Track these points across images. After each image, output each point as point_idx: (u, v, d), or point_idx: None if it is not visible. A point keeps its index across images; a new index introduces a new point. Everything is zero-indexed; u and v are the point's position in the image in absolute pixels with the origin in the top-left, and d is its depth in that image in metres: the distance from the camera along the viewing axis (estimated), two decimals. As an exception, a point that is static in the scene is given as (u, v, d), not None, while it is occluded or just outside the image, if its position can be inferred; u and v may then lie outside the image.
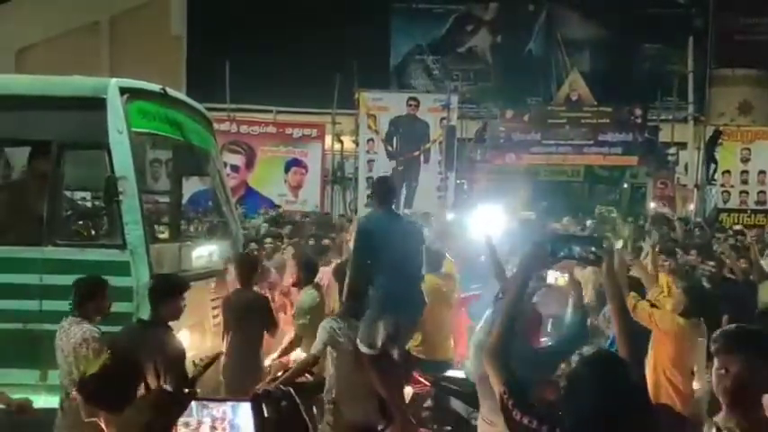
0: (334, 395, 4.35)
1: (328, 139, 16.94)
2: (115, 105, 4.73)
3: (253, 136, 16.25)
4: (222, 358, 4.87)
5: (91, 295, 4.03)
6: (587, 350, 3.08)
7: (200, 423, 1.10)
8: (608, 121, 16.71)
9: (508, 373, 2.27)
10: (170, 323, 4.03)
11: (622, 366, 2.07)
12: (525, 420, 2.12)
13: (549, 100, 18.65)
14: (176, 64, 19.55)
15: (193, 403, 1.23)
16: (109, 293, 4.11)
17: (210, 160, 6.34)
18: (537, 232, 9.80)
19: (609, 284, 2.42)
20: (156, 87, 5.34)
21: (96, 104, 4.73)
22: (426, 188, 16.46)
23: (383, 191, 4.76)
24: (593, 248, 2.41)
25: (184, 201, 7.90)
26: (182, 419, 1.15)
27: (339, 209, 16.86)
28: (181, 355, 3.85)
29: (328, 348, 4.42)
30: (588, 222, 11.93)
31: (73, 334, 3.91)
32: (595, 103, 16.96)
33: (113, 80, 4.95)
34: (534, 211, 14.90)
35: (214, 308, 5.42)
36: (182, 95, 6.17)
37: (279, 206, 11.49)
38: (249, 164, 16.12)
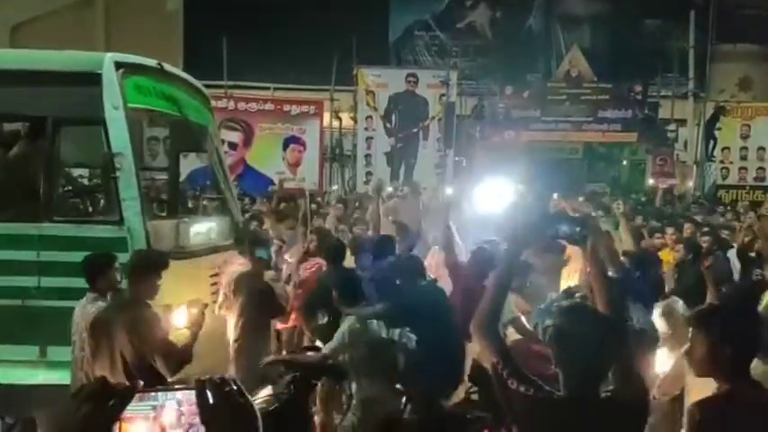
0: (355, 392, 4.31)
1: (326, 117, 16.86)
2: (111, 80, 4.68)
3: (250, 113, 16.16)
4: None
5: (99, 271, 4.04)
6: (563, 304, 3.17)
7: (162, 407, 1.10)
8: (607, 97, 16.63)
9: (500, 344, 2.34)
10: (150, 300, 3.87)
11: (598, 315, 2.31)
12: (522, 389, 2.18)
13: (548, 76, 18.54)
14: (173, 40, 19.34)
15: (137, 393, 1.23)
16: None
17: (208, 137, 6.30)
18: (530, 209, 9.82)
19: (593, 262, 2.53)
20: (152, 62, 5.28)
21: (92, 79, 4.68)
22: (425, 165, 16.45)
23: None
24: (578, 228, 2.45)
25: (182, 178, 7.90)
26: (145, 405, 1.14)
27: (338, 186, 16.85)
28: (157, 334, 3.73)
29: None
30: (580, 199, 11.90)
31: (87, 312, 3.94)
32: (595, 79, 16.85)
33: (109, 55, 4.90)
34: (532, 187, 14.89)
35: (213, 284, 5.43)
36: (179, 71, 6.11)
37: (274, 184, 11.48)
38: (247, 141, 16.05)
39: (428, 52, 20.95)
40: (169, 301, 4.22)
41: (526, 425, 2.25)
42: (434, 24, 21.14)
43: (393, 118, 16.67)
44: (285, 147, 16.24)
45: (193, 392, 1.23)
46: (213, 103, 7.11)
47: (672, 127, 17.06)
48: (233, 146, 15.77)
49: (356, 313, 4.29)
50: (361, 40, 16.84)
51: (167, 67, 5.45)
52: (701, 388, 2.71)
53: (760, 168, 15.54)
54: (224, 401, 1.21)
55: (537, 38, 20.87)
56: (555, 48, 20.27)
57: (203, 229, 5.76)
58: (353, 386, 4.21)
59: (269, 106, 16.42)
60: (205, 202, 6.98)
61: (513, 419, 2.29)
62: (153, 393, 1.27)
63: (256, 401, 3.79)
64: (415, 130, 16.70)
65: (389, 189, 13.89)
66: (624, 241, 5.52)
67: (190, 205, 7.46)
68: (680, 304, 4.51)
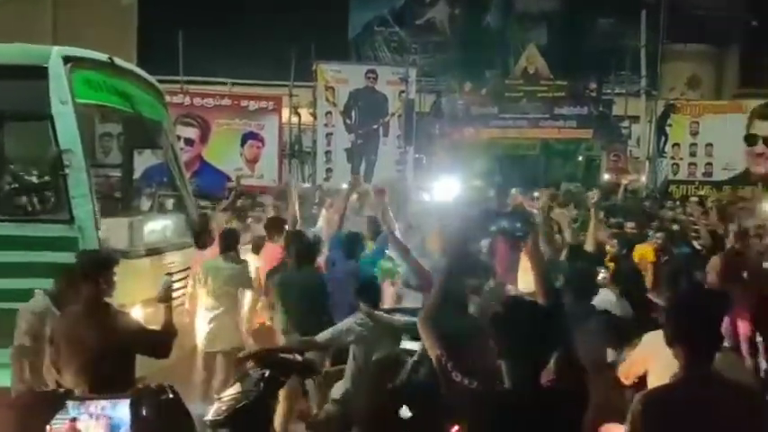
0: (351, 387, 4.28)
1: (285, 112, 16.71)
2: (58, 74, 4.56)
3: (207, 109, 15.90)
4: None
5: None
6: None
7: (74, 420, 1.07)
8: (564, 94, 16.91)
9: (444, 337, 2.39)
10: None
11: (535, 305, 2.38)
12: (465, 381, 2.22)
13: (506, 74, 18.73)
14: (126, 33, 18.90)
15: (69, 402, 1.19)
16: (56, 271, 3.99)
17: (163, 133, 6.20)
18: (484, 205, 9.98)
19: (533, 257, 2.61)
20: (102, 57, 5.17)
21: (38, 73, 4.56)
22: (385, 162, 16.46)
23: None
24: (519, 224, 2.50)
25: (137, 175, 7.74)
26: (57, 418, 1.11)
27: (297, 183, 16.73)
28: (133, 327, 3.69)
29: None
30: (536, 194, 12.10)
31: (42, 314, 3.88)
32: (551, 77, 17.10)
33: (56, 48, 4.78)
34: (489, 184, 15.08)
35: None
36: (130, 66, 5.99)
37: (231, 180, 11.33)
38: (203, 137, 15.80)
39: (387, 48, 20.96)
40: (123, 301, 4.15)
41: (471, 416, 2.29)
42: (394, 20, 21.14)
43: (353, 114, 16.62)
44: (243, 143, 16.05)
45: (110, 405, 1.21)
46: (168, 98, 6.99)
47: (625, 124, 17.46)
48: (189, 142, 15.52)
49: (386, 320, 4.26)
50: (320, 36, 16.73)
51: (118, 61, 5.33)
52: (661, 374, 2.79)
53: (708, 164, 16.02)
54: (158, 411, 1.19)
55: (495, 35, 21.05)
56: (512, 45, 20.48)
57: (158, 226, 5.67)
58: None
59: (226, 102, 16.20)
60: (160, 200, 6.86)
61: (459, 411, 2.33)
62: (68, 405, 1.25)
63: (224, 399, 3.76)
64: (376, 126, 16.68)
65: (345, 185, 13.88)
66: (590, 233, 5.66)
67: (144, 203, 7.31)
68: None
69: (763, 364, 6.15)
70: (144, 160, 9.02)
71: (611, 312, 4.30)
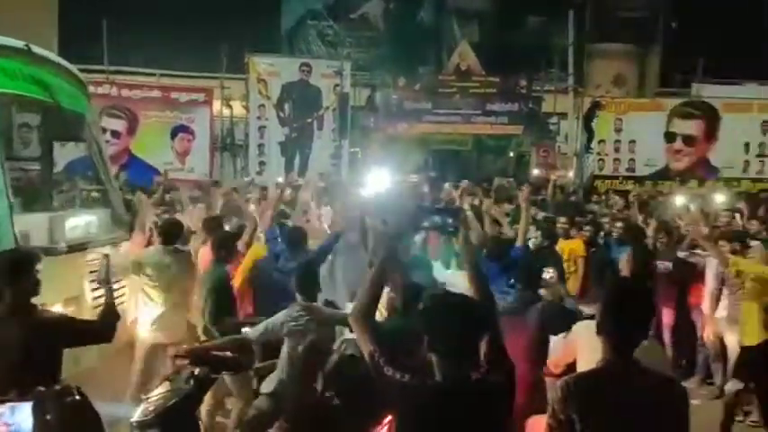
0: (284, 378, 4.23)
1: (217, 105, 16.36)
2: (-30, 62, 4.31)
3: (135, 100, 15.39)
4: None
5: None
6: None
7: None
8: (495, 91, 17.22)
9: (376, 333, 2.41)
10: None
11: (465, 300, 2.42)
12: (398, 375, 2.24)
13: (439, 69, 18.94)
14: (47, 20, 17.99)
15: None
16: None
17: (86, 125, 5.97)
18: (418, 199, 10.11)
19: (464, 251, 2.66)
20: (19, 44, 4.92)
21: (-52, 61, 4.29)
22: (320, 155, 16.39)
23: None
24: (451, 219, 2.55)
25: (59, 168, 7.43)
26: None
27: (229, 177, 16.43)
28: (67, 321, 3.60)
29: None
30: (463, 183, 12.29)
31: None
32: (483, 73, 17.40)
33: (-33, 34, 4.50)
34: (424, 178, 15.23)
35: (92, 281, 5.15)
36: (50, 54, 5.71)
37: (161, 174, 10.98)
38: (131, 130, 15.29)
39: (321, 42, 20.83)
40: (44, 300, 3.96)
41: (403, 410, 2.32)
42: (327, 14, 21.03)
43: (286, 107, 16.45)
44: (173, 136, 15.63)
45: (8, 409, 1.16)
46: (93, 89, 6.75)
47: (554, 120, 17.95)
48: (116, 134, 15.01)
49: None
50: (252, 28, 16.49)
51: (36, 49, 5.09)
52: (588, 362, 2.89)
53: (631, 160, 16.65)
54: (63, 415, 1.15)
55: (428, 31, 21.28)
56: (445, 41, 20.75)
57: (81, 222, 5.45)
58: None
59: (155, 93, 15.71)
60: (84, 195, 6.60)
61: (391, 405, 2.35)
62: None
63: (152, 398, 3.66)
64: (310, 120, 16.57)
65: (279, 180, 13.75)
66: (522, 229, 5.81)
67: (67, 197, 7.02)
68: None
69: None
70: (67, 153, 8.68)
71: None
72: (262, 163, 16.28)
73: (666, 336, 6.77)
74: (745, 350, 5.53)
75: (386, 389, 2.31)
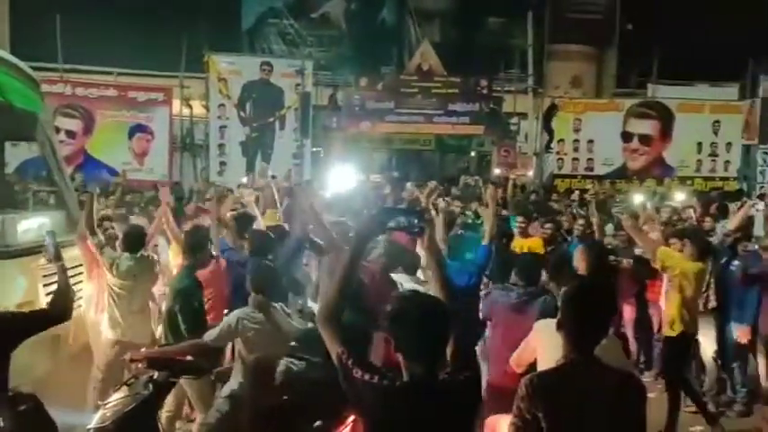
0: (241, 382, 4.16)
1: (176, 104, 16.11)
2: None
3: (91, 99, 15.05)
4: None
5: None
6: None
7: None
8: (457, 91, 17.34)
9: (344, 335, 2.38)
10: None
11: (435, 300, 2.41)
12: (366, 377, 2.24)
13: (401, 69, 18.99)
14: (-2, 16, 17.47)
15: None
16: None
17: (38, 125, 5.79)
18: (381, 199, 10.14)
19: (429, 251, 2.65)
20: (-34, 41, 4.74)
21: None
22: (282, 155, 16.28)
23: None
24: (416, 220, 2.56)
25: (10, 169, 7.23)
26: None
27: (190, 177, 16.19)
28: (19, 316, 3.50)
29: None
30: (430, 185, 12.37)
31: None
32: (445, 73, 17.51)
33: None
34: (387, 178, 15.28)
35: (46, 285, 5.01)
36: (1, 51, 5.53)
37: (118, 174, 10.77)
38: (87, 129, 14.95)
39: (282, 41, 20.67)
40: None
41: (372, 412, 2.31)
42: (288, 13, 20.87)
43: (247, 107, 16.30)
44: (131, 135, 15.34)
45: None
46: (46, 87, 6.56)
47: (514, 120, 18.17)
48: (71, 134, 14.68)
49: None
50: (212, 26, 16.25)
51: (-15, 46, 4.91)
52: (549, 360, 2.93)
53: (589, 159, 16.99)
54: (16, 423, 1.12)
55: (390, 30, 21.32)
56: (407, 41, 20.81)
57: (34, 225, 5.29)
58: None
59: (111, 92, 15.39)
60: (37, 196, 6.41)
61: (360, 407, 2.34)
62: None
63: (109, 404, 3.58)
64: (271, 119, 16.45)
65: (244, 180, 13.61)
66: (488, 230, 5.84)
67: (18, 199, 6.81)
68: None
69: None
70: (19, 153, 8.43)
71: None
72: (222, 163, 16.09)
73: (629, 331, 6.91)
74: (666, 341, 5.74)
75: (354, 390, 2.29)
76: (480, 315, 4.84)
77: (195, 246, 5.09)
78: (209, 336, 4.17)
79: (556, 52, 20.23)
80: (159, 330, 5.71)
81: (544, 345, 3.38)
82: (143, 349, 4.14)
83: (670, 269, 5.64)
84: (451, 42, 20.33)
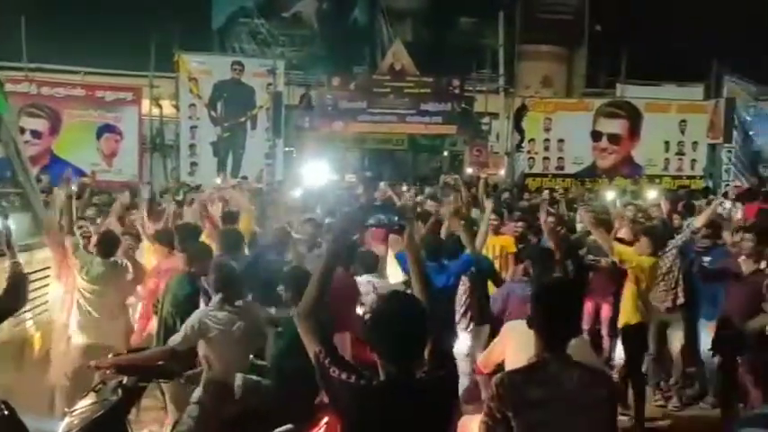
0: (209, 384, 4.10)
1: (146, 104, 15.88)
2: None
3: (57, 99, 14.76)
4: None
5: None
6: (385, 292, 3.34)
7: None
8: (429, 91, 17.41)
9: (322, 333, 2.37)
10: None
11: (415, 301, 2.41)
12: (343, 376, 2.23)
13: (373, 69, 19.00)
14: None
15: None
16: None
17: (2, 125, 5.64)
18: (354, 199, 10.15)
19: (409, 249, 2.64)
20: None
21: None
22: (254, 156, 16.16)
23: None
24: (396, 217, 2.54)
25: (-28, 171, 7.02)
26: None
27: (160, 178, 15.98)
28: None
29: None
30: (404, 188, 12.44)
31: None
32: (417, 73, 17.56)
33: None
34: (360, 177, 15.26)
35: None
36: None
37: (86, 175, 10.56)
38: (53, 129, 14.66)
39: (253, 40, 20.51)
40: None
41: (348, 412, 2.30)
42: (259, 12, 20.73)
43: (218, 106, 16.16)
44: (99, 136, 15.08)
45: None
46: (11, 87, 6.42)
47: (486, 120, 18.30)
48: (37, 134, 14.39)
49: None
50: (182, 25, 16.04)
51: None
52: (516, 360, 2.95)
53: (560, 158, 17.18)
54: None
55: (362, 30, 21.30)
56: (379, 41, 20.82)
57: (-1, 227, 5.16)
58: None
59: (78, 92, 15.11)
60: (1, 198, 6.26)
61: (337, 407, 2.33)
62: None
63: (77, 412, 3.50)
64: (243, 119, 16.32)
65: (218, 180, 13.47)
66: (483, 224, 5.92)
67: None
68: None
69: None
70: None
71: None
72: (193, 164, 15.92)
73: (605, 329, 6.95)
74: (626, 331, 5.93)
75: (331, 389, 2.28)
76: (494, 309, 5.02)
77: (200, 253, 5.03)
78: (174, 340, 4.09)
79: (526, 52, 20.43)
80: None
81: (513, 346, 3.40)
82: (110, 355, 4.04)
83: (627, 263, 5.84)
84: (423, 42, 20.41)
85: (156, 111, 16.29)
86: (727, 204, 10.05)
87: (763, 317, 5.12)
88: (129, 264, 5.48)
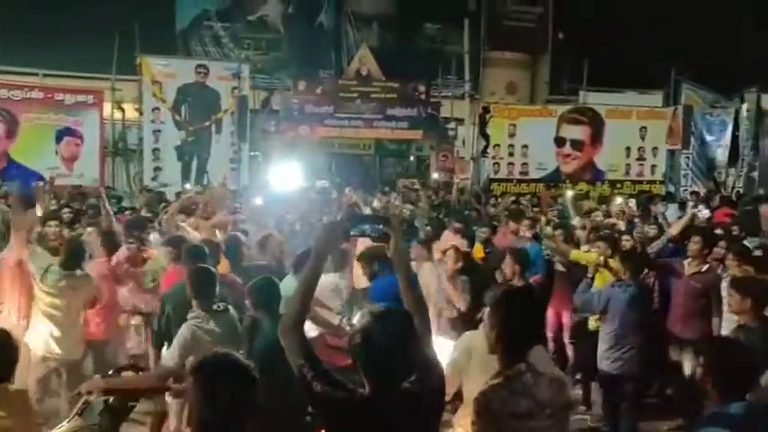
0: None
1: (107, 107, 15.57)
2: None
3: (14, 101, 14.34)
4: None
5: None
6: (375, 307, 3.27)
7: None
8: (395, 96, 17.47)
9: (305, 346, 2.32)
10: None
11: (406, 316, 2.33)
12: (327, 390, 2.20)
13: (340, 73, 18.98)
14: None
15: None
16: None
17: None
18: (330, 203, 10.12)
19: (396, 257, 2.57)
20: None
21: None
22: (219, 160, 15.96)
23: None
24: (380, 226, 2.53)
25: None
26: None
27: (122, 183, 15.69)
28: None
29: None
30: (377, 198, 12.44)
31: None
32: (384, 78, 17.60)
33: None
34: (333, 183, 15.22)
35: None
36: None
37: (44, 180, 10.28)
38: (10, 133, 14.22)
39: (218, 44, 20.31)
40: None
41: (333, 425, 2.27)
42: (224, 16, 20.54)
43: (183, 110, 15.92)
44: (59, 139, 14.69)
45: None
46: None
47: (452, 125, 18.44)
48: (-8, 138, 13.97)
49: None
50: (145, 27, 15.79)
51: None
52: (476, 381, 2.94)
53: (524, 164, 17.35)
54: None
55: (328, 34, 21.28)
56: (346, 45, 20.84)
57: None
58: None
59: (36, 94, 14.68)
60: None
61: (322, 420, 2.29)
62: None
63: None
64: (207, 123, 16.12)
65: (187, 186, 13.30)
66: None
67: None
68: None
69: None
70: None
71: None
72: (157, 168, 15.65)
73: (565, 336, 7.01)
74: (591, 335, 6.04)
75: (315, 403, 2.24)
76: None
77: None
78: (170, 359, 3.96)
79: (491, 59, 20.68)
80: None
81: (467, 372, 3.32)
82: (96, 377, 3.83)
83: (584, 261, 6.09)
84: (390, 47, 20.48)
85: (118, 114, 15.98)
86: (705, 213, 10.30)
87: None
88: (91, 276, 5.34)
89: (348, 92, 17.34)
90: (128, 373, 3.87)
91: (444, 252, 5.88)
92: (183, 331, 4.04)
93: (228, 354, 2.29)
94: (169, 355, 4.00)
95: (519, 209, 9.09)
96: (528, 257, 5.68)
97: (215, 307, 4.21)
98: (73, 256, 5.17)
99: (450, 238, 6.88)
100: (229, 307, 4.39)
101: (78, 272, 5.20)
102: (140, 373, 3.88)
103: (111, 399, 3.47)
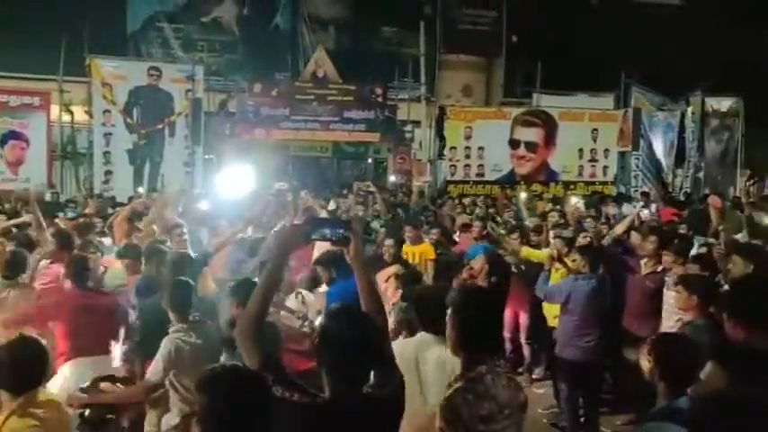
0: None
1: (55, 110, 15.11)
2: None
3: (-45, 103, 13.84)
4: None
5: None
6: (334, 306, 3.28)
7: None
8: (352, 98, 17.44)
9: (264, 350, 2.29)
10: None
11: (364, 313, 2.37)
12: (286, 395, 2.17)
13: (296, 76, 18.86)
14: None
15: None
16: None
17: None
18: (286, 206, 10.01)
19: (355, 262, 2.57)
20: None
21: None
22: (173, 163, 15.68)
23: None
24: (341, 230, 2.51)
25: None
26: None
27: (71, 187, 15.24)
28: None
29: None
30: (332, 202, 12.38)
31: None
32: (340, 80, 17.57)
33: None
34: (287, 184, 15.06)
35: None
36: None
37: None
38: (-49, 136, 13.75)
39: (170, 46, 19.92)
40: None
41: (291, 429, 2.24)
42: (177, 17, 20.15)
43: (135, 113, 15.57)
44: (3, 143, 14.23)
45: None
46: None
47: (409, 128, 18.51)
48: (-69, 142, 13.42)
49: None
50: (94, 28, 15.37)
51: None
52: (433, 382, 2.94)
53: (480, 165, 17.57)
54: None
55: (284, 37, 21.11)
56: (302, 47, 20.70)
57: None
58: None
59: (-22, 96, 14.22)
60: None
61: (283, 426, 2.25)
62: None
63: None
64: (160, 126, 15.81)
65: (140, 190, 12.98)
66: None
67: None
68: None
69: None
70: None
71: None
72: (108, 172, 15.27)
73: (522, 337, 7.08)
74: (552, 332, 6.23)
75: (275, 408, 2.20)
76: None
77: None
78: (154, 374, 3.89)
79: (447, 62, 20.84)
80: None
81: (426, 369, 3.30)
82: (78, 393, 3.71)
83: (536, 259, 6.36)
84: (346, 50, 20.43)
85: (66, 117, 15.53)
86: (645, 212, 10.59)
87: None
88: (35, 286, 5.17)
89: (304, 94, 17.24)
90: (106, 384, 3.80)
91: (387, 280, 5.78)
92: (167, 345, 3.99)
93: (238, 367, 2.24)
94: (153, 369, 3.94)
95: (466, 222, 9.11)
96: (499, 258, 5.80)
97: (191, 318, 4.16)
98: (11, 267, 5.04)
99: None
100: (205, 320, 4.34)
101: (17, 281, 5.04)
102: (117, 384, 3.80)
103: (87, 411, 3.37)
